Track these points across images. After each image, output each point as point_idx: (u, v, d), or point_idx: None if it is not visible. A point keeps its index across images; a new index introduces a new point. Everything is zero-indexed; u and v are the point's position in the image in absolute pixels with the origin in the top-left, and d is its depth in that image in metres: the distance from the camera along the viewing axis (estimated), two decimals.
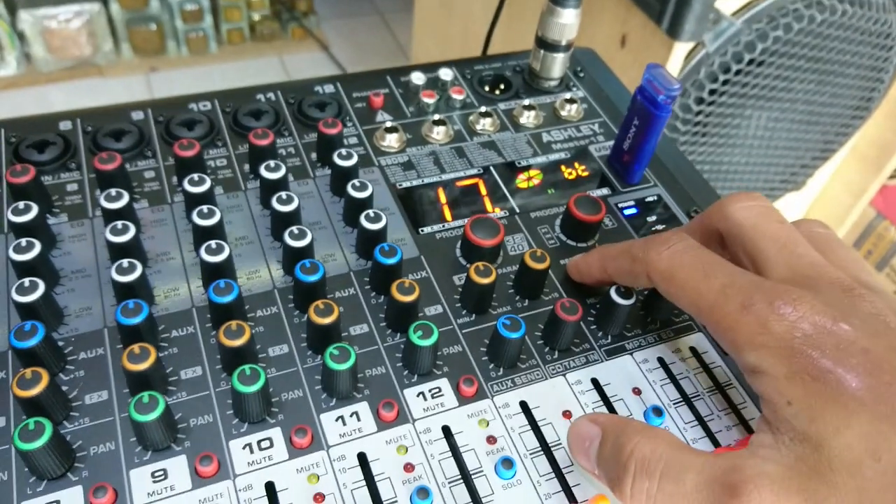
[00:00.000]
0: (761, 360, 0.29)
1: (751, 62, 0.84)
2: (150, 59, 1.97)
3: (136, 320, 0.34)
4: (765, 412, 0.30)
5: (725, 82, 0.85)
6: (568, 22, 0.50)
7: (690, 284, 0.33)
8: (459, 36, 1.39)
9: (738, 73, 0.84)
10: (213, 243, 0.38)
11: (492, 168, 0.49)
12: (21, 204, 0.38)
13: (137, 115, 0.48)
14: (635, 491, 0.30)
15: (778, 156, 1.03)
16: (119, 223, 0.38)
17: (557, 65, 0.53)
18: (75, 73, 1.90)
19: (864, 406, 0.27)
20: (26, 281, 0.35)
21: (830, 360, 0.28)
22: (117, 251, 0.38)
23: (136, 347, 0.33)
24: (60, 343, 0.36)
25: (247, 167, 0.46)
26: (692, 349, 0.40)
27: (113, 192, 0.40)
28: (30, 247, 0.37)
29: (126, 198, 0.40)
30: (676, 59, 0.81)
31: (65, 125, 0.47)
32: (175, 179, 0.45)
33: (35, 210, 0.38)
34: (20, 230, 0.38)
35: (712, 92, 0.85)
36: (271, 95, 0.51)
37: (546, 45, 0.52)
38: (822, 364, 0.28)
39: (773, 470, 0.27)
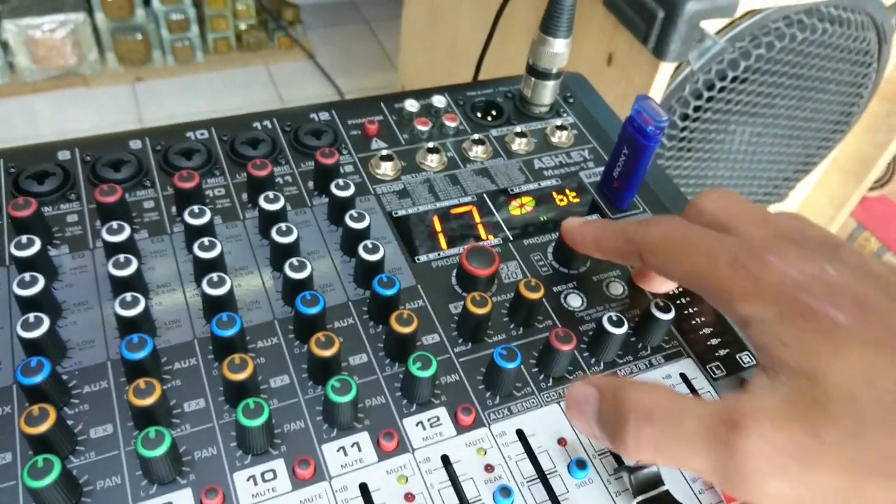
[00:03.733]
0: (753, 309, 0.31)
1: (734, 79, 0.86)
2: (135, 69, 1.97)
3: (141, 355, 0.35)
4: (759, 358, 0.32)
5: (710, 99, 0.86)
6: (559, 51, 0.52)
7: (682, 256, 0.35)
8: (447, 46, 1.40)
9: (721, 90, 0.86)
10: (214, 276, 0.39)
11: (485, 195, 0.50)
12: (24, 238, 0.39)
13: (135, 144, 0.49)
14: (640, 440, 0.30)
15: (761, 169, 1.05)
16: (121, 256, 0.39)
17: (548, 92, 0.54)
18: (60, 83, 1.89)
19: (854, 338, 0.28)
20: (31, 316, 0.35)
21: (820, 300, 0.29)
22: (120, 284, 0.39)
23: (141, 382, 0.34)
24: (65, 377, 0.37)
25: (245, 196, 0.47)
26: (682, 375, 0.41)
27: (114, 224, 0.40)
28: (34, 281, 0.37)
29: (128, 230, 0.40)
30: (662, 77, 0.82)
31: (63, 155, 0.48)
32: (174, 209, 0.45)
33: (38, 244, 0.39)
34: (23, 264, 0.39)
35: (697, 108, 0.87)
36: (267, 123, 0.52)
37: (537, 73, 0.53)
38: (812, 305, 0.29)
39: (771, 404, 0.29)
